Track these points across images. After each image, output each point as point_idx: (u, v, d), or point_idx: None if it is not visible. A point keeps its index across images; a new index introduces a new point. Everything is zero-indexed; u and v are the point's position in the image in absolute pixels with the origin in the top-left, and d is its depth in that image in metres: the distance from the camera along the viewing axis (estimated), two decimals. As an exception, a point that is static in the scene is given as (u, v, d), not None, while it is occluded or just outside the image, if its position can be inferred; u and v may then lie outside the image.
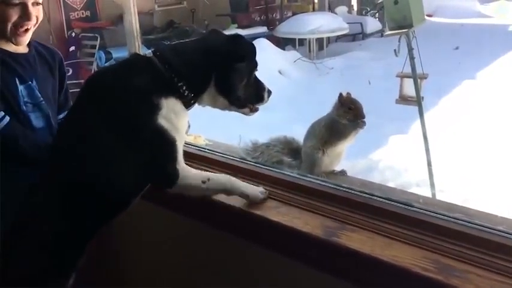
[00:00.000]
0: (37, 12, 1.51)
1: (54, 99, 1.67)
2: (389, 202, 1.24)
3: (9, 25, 1.47)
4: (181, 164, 1.21)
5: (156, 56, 1.21)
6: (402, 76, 3.90)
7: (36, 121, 1.57)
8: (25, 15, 1.47)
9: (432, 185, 3.79)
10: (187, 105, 1.24)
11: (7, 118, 1.47)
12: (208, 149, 1.69)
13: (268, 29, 10.11)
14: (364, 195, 1.29)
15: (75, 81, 7.96)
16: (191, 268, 1.59)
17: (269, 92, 1.32)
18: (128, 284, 1.86)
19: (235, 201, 1.34)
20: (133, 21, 8.73)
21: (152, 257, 1.75)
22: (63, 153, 1.28)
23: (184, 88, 1.19)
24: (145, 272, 1.77)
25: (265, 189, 1.36)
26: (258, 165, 1.56)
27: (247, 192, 1.31)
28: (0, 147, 1.41)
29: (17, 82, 1.53)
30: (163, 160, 1.19)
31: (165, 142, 1.17)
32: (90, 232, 1.29)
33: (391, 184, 4.42)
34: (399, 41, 3.44)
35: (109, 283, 1.79)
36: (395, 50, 3.45)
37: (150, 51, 1.24)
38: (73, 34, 8.10)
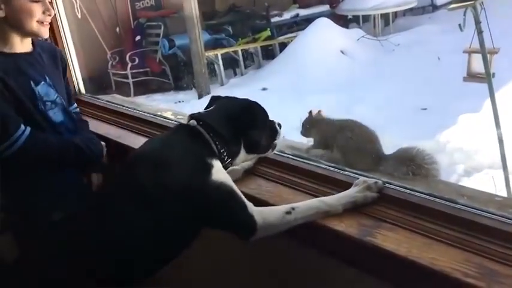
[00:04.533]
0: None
1: (63, 90, 1.74)
2: (431, 198, 1.15)
3: (34, 21, 1.54)
4: (252, 207, 1.20)
5: (201, 126, 1.30)
6: (470, 51, 3.64)
7: (55, 116, 1.63)
8: (47, 10, 1.56)
9: (505, 167, 3.52)
10: (224, 168, 1.31)
11: (28, 130, 1.50)
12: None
13: (330, 7, 9.80)
14: (404, 190, 1.20)
15: (141, 70, 8.27)
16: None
17: (279, 125, 1.45)
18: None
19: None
20: (192, 7, 8.80)
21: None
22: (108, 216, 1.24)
23: (225, 154, 1.30)
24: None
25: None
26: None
27: (351, 200, 1.22)
28: (25, 159, 1.49)
29: (32, 85, 1.57)
30: (233, 211, 1.19)
31: (226, 193, 1.19)
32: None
33: (460, 167, 4.17)
34: (464, 15, 3.17)
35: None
36: (459, 25, 3.19)
37: (193, 121, 1.32)
38: (138, 23, 8.35)
